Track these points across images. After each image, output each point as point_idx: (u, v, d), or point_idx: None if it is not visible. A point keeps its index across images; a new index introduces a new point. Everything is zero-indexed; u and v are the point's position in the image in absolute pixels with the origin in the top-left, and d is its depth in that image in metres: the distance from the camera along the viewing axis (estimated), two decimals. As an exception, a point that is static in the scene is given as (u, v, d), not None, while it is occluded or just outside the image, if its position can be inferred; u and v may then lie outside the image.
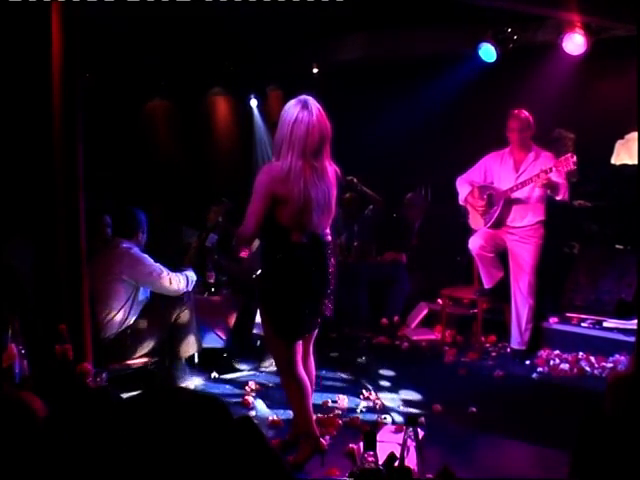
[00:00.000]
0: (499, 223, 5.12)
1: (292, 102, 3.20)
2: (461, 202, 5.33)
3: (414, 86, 6.81)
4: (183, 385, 4.43)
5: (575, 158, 4.68)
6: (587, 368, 4.84)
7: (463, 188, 5.28)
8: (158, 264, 4.37)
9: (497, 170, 5.19)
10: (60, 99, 3.40)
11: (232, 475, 1.61)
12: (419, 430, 1.91)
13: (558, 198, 4.92)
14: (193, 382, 4.59)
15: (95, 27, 4.75)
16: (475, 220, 5.28)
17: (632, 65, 4.32)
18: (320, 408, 4.05)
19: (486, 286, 5.20)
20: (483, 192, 5.19)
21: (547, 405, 4.21)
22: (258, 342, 5.09)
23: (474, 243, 5.15)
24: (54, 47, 3.36)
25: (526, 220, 5.05)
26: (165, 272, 4.34)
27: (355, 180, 6.70)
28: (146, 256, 4.37)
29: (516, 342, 5.13)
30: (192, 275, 4.54)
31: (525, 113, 5.03)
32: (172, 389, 3.65)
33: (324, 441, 3.52)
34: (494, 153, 5.24)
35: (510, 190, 5.02)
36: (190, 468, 1.58)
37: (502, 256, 5.17)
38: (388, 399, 4.31)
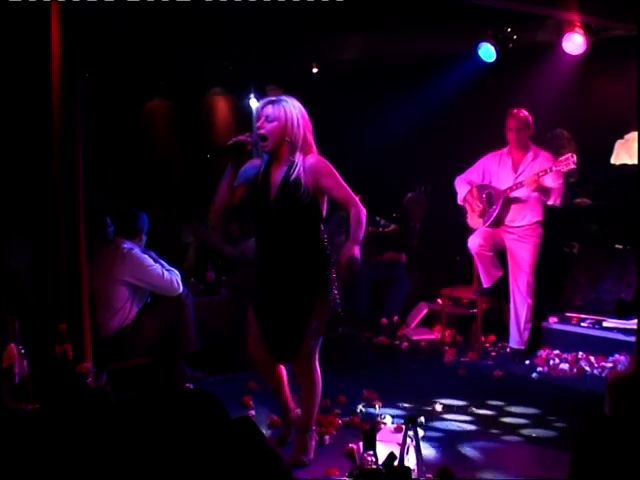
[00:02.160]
0: (498, 222, 5.12)
1: (292, 99, 3.27)
2: (460, 202, 5.33)
3: (414, 86, 6.80)
4: (183, 385, 4.43)
5: (575, 158, 4.68)
6: (587, 368, 4.84)
7: (462, 187, 5.28)
8: (158, 264, 4.38)
9: (495, 170, 5.19)
10: (60, 99, 3.40)
11: (232, 475, 1.61)
12: (419, 430, 1.91)
13: (549, 203, 4.92)
14: (192, 381, 4.59)
15: (95, 27, 4.76)
16: (474, 219, 5.28)
17: (632, 65, 4.34)
18: (320, 408, 4.04)
19: (485, 285, 5.20)
20: (482, 191, 5.19)
21: (547, 405, 4.21)
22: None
23: (473, 242, 5.15)
24: (54, 47, 3.36)
25: (525, 220, 5.05)
26: (166, 273, 4.37)
27: None
28: (147, 257, 4.38)
29: (515, 342, 5.13)
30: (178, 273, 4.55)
31: (524, 112, 5.02)
32: (171, 389, 3.66)
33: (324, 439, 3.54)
34: (492, 153, 5.24)
35: (509, 189, 5.02)
36: (189, 467, 1.58)
37: (501, 256, 5.17)
38: (388, 399, 4.31)
